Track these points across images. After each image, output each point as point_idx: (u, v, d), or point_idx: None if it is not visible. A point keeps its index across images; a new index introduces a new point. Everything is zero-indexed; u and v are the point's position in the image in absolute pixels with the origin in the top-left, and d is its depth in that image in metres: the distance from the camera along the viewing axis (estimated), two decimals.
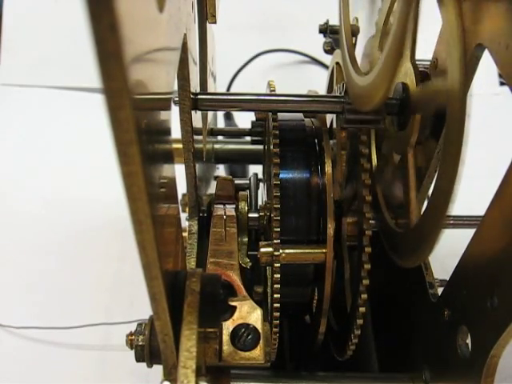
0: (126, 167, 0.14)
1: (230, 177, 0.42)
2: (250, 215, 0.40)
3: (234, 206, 0.38)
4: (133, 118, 0.14)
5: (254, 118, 0.44)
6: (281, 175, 0.36)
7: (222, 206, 0.38)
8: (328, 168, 0.37)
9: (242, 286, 0.32)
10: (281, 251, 0.35)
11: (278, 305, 0.35)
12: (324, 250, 0.35)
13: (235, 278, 0.33)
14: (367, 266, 0.34)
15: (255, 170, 0.62)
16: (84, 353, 0.53)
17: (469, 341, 0.28)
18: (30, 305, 0.56)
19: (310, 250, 0.36)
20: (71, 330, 0.52)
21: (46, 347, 0.53)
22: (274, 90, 0.39)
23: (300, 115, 0.41)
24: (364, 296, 0.34)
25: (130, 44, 0.13)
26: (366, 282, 0.34)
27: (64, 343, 0.53)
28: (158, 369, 0.25)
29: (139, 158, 0.14)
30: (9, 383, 0.51)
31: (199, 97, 0.36)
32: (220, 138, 0.58)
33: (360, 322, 0.35)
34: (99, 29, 0.12)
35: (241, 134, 0.52)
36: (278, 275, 0.34)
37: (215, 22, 0.38)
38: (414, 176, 0.32)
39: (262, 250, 0.35)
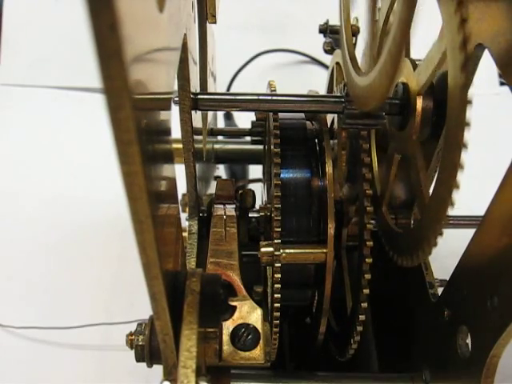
0: (126, 167, 0.14)
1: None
2: (250, 215, 0.40)
3: (234, 205, 0.38)
4: (133, 118, 0.14)
5: (254, 118, 0.44)
6: (281, 175, 0.36)
7: (221, 206, 0.38)
8: (329, 168, 0.37)
9: (242, 286, 0.32)
10: (281, 251, 0.35)
11: (278, 305, 0.35)
12: (324, 250, 0.35)
13: (235, 278, 0.32)
14: (367, 276, 0.34)
15: (255, 169, 0.63)
16: (84, 353, 0.53)
17: (469, 341, 0.28)
18: (30, 305, 0.56)
19: (311, 250, 0.36)
20: (71, 329, 0.52)
21: (46, 347, 0.53)
22: (274, 90, 0.39)
23: (301, 115, 0.41)
24: (364, 305, 0.34)
25: (130, 44, 0.13)
26: (366, 291, 0.34)
27: (64, 343, 0.53)
28: (158, 369, 0.25)
29: (139, 158, 0.14)
30: (9, 383, 0.51)
31: (199, 97, 0.36)
32: (220, 137, 0.58)
33: (360, 328, 0.35)
34: (99, 28, 0.12)
35: (241, 133, 0.52)
36: (279, 275, 0.34)
37: (215, 22, 0.38)
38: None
39: (263, 249, 0.35)
